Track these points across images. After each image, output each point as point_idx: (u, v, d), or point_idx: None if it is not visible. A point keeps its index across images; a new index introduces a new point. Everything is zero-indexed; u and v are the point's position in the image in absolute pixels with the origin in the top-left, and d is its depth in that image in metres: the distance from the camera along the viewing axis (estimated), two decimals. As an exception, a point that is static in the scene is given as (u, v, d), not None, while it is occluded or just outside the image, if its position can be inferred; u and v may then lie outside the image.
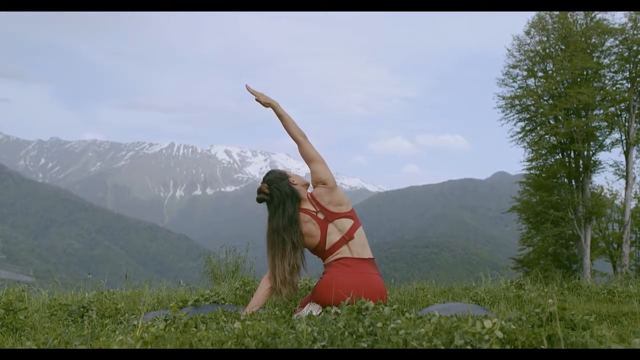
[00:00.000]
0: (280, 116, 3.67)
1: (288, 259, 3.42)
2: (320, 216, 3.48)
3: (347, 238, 3.44)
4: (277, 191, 3.52)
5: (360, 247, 3.46)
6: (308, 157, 3.60)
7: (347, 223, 3.48)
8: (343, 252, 3.43)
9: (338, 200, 3.50)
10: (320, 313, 3.34)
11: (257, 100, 3.71)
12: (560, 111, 19.74)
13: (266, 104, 3.69)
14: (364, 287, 3.32)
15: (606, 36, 20.08)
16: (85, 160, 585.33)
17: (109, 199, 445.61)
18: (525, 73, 21.40)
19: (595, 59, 20.07)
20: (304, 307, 3.47)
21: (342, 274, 3.35)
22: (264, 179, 3.62)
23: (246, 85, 3.75)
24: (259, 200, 3.57)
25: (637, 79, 19.85)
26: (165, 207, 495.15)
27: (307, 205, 3.52)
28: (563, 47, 20.50)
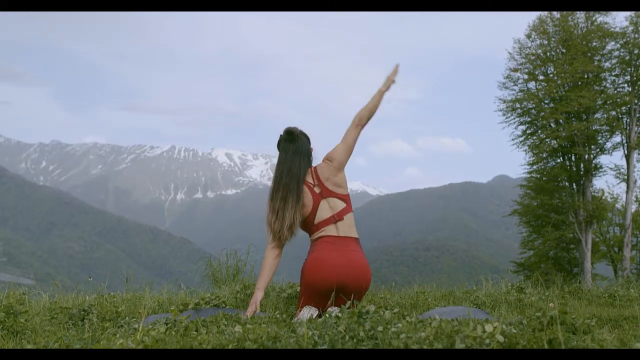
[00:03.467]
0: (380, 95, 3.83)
1: (300, 201, 3.50)
2: (316, 190, 3.56)
3: (336, 218, 3.51)
4: (305, 141, 3.69)
5: (348, 227, 3.53)
6: (345, 136, 3.72)
7: (340, 204, 3.55)
8: (329, 230, 3.49)
9: (337, 181, 3.59)
10: (319, 314, 3.35)
11: (390, 81, 3.87)
12: (561, 115, 19.74)
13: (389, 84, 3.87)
14: (347, 264, 3.38)
15: (607, 39, 20.09)
16: (86, 163, 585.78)
17: (110, 202, 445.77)
18: (526, 76, 21.41)
19: (596, 63, 20.08)
20: (301, 308, 3.49)
21: (327, 252, 3.41)
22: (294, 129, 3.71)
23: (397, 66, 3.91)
24: (290, 134, 3.65)
25: (638, 83, 19.85)
26: (166, 210, 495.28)
27: (308, 177, 3.60)
28: (564, 51, 20.50)
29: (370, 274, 3.49)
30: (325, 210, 3.52)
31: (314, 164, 3.71)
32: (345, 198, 3.58)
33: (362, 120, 3.74)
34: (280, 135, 3.71)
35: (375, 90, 3.84)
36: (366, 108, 3.76)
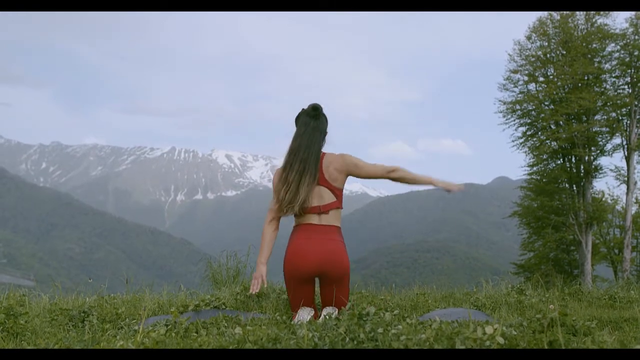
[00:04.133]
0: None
1: (315, 179, 3.50)
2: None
3: (321, 209, 3.52)
4: (325, 121, 3.69)
5: (330, 218, 3.54)
6: (374, 166, 3.61)
7: (329, 196, 3.54)
8: (311, 218, 3.52)
9: (336, 177, 3.57)
10: (313, 316, 3.35)
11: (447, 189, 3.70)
12: (561, 116, 19.74)
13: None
14: (323, 253, 3.41)
15: (607, 41, 20.10)
16: (86, 165, 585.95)
17: (110, 203, 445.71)
18: (526, 78, 21.42)
19: (596, 64, 20.09)
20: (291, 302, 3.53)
21: (304, 241, 3.46)
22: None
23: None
24: (315, 109, 3.62)
25: (638, 84, 19.85)
26: (166, 212, 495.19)
27: None
28: (564, 52, 20.52)
29: (347, 260, 3.50)
30: (315, 198, 3.54)
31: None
32: (337, 192, 3.57)
33: (396, 174, 3.58)
34: (303, 109, 3.68)
35: (423, 175, 3.68)
36: (406, 175, 3.59)
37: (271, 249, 3.62)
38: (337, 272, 3.46)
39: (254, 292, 3.58)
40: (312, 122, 3.61)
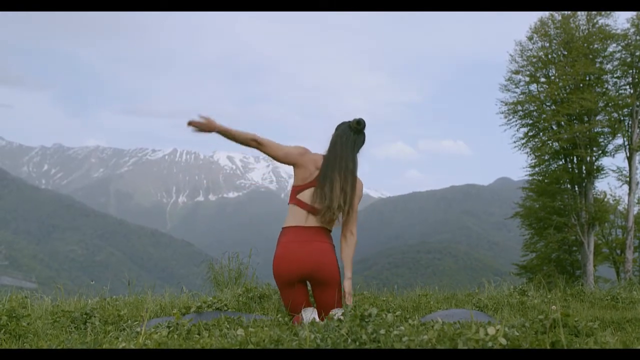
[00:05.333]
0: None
1: (354, 190, 3.57)
2: (316, 174, 3.59)
3: (312, 210, 3.53)
4: (364, 138, 3.74)
5: (318, 221, 3.54)
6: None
7: None
8: (299, 218, 3.53)
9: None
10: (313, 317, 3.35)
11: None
12: (562, 117, 19.73)
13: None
14: (309, 255, 3.42)
15: (608, 42, 20.10)
16: (88, 167, 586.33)
17: (112, 205, 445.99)
18: (527, 79, 21.42)
19: (597, 65, 20.07)
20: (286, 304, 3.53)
21: (289, 245, 3.47)
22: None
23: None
24: (359, 124, 3.65)
25: (640, 85, 19.84)
26: (168, 213, 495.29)
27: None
28: (565, 53, 20.50)
29: (334, 261, 3.50)
30: (309, 198, 3.56)
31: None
32: None
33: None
34: (349, 122, 3.70)
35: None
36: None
37: (232, 131, 3.50)
38: (324, 275, 3.45)
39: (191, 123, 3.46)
40: (353, 135, 3.66)
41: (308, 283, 3.59)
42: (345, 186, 3.54)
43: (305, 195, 3.57)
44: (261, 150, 3.59)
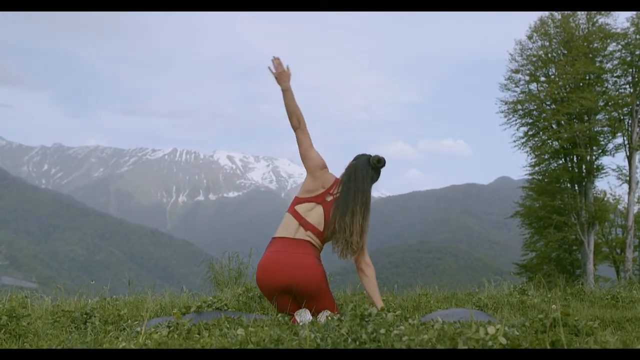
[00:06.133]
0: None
1: (368, 220, 3.61)
2: (328, 198, 3.61)
3: (305, 226, 3.52)
4: (379, 176, 3.76)
5: (306, 236, 3.53)
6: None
7: (320, 221, 3.56)
8: (289, 229, 3.53)
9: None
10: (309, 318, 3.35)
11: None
12: (562, 116, 19.73)
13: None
14: (288, 267, 3.40)
15: (608, 40, 20.10)
16: (88, 166, 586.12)
17: (112, 205, 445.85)
18: (527, 78, 21.42)
19: (597, 64, 20.08)
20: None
21: (271, 256, 3.48)
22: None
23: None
24: (379, 163, 3.67)
25: (640, 84, 19.84)
26: (168, 213, 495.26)
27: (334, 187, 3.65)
28: (565, 52, 20.51)
29: (317, 273, 3.44)
30: (310, 212, 3.56)
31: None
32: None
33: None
34: (369, 156, 3.71)
35: None
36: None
37: (293, 97, 3.69)
38: (305, 287, 3.41)
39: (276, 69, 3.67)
40: (371, 171, 3.66)
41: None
42: (364, 224, 3.56)
43: (303, 209, 3.57)
44: (296, 133, 3.67)
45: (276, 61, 3.71)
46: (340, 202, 3.54)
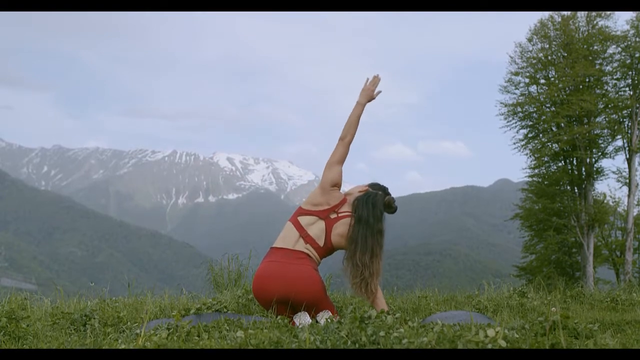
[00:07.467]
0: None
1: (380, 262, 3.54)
2: (332, 215, 3.60)
3: (305, 239, 3.51)
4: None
5: (304, 248, 3.52)
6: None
7: (321, 236, 3.55)
8: (288, 240, 3.52)
9: (338, 241, 3.61)
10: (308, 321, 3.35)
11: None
12: (562, 118, 19.75)
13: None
14: (284, 277, 3.39)
15: (608, 43, 20.12)
16: (87, 168, 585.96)
17: (112, 207, 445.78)
18: (527, 80, 21.44)
19: (597, 66, 20.09)
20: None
21: (267, 265, 3.48)
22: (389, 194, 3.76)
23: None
24: (391, 207, 3.70)
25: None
26: (168, 215, 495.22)
27: (341, 206, 3.64)
28: (565, 54, 20.52)
29: (315, 283, 3.42)
30: (311, 225, 3.55)
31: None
32: (326, 247, 3.58)
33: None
34: (383, 194, 3.71)
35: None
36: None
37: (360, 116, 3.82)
38: (302, 297, 3.40)
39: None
40: (385, 210, 3.65)
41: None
42: (380, 267, 3.52)
43: (306, 221, 3.56)
44: (338, 142, 3.73)
45: (376, 79, 3.86)
46: (360, 237, 3.50)
